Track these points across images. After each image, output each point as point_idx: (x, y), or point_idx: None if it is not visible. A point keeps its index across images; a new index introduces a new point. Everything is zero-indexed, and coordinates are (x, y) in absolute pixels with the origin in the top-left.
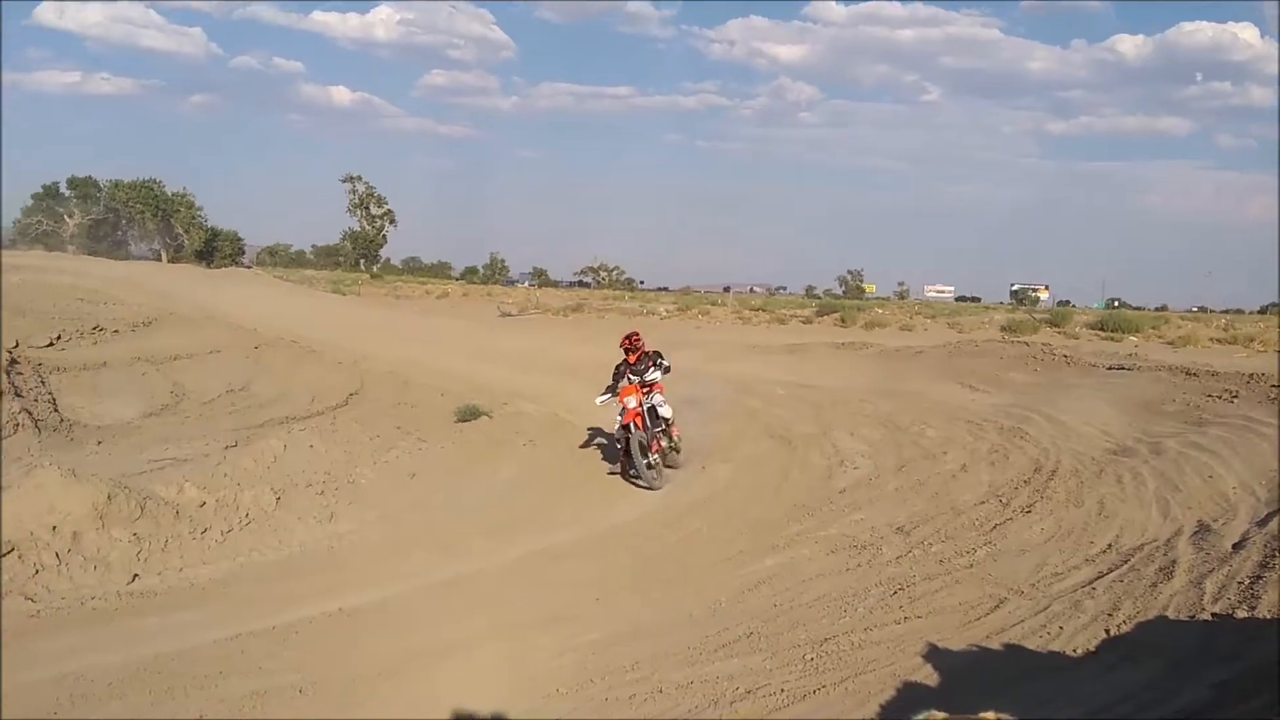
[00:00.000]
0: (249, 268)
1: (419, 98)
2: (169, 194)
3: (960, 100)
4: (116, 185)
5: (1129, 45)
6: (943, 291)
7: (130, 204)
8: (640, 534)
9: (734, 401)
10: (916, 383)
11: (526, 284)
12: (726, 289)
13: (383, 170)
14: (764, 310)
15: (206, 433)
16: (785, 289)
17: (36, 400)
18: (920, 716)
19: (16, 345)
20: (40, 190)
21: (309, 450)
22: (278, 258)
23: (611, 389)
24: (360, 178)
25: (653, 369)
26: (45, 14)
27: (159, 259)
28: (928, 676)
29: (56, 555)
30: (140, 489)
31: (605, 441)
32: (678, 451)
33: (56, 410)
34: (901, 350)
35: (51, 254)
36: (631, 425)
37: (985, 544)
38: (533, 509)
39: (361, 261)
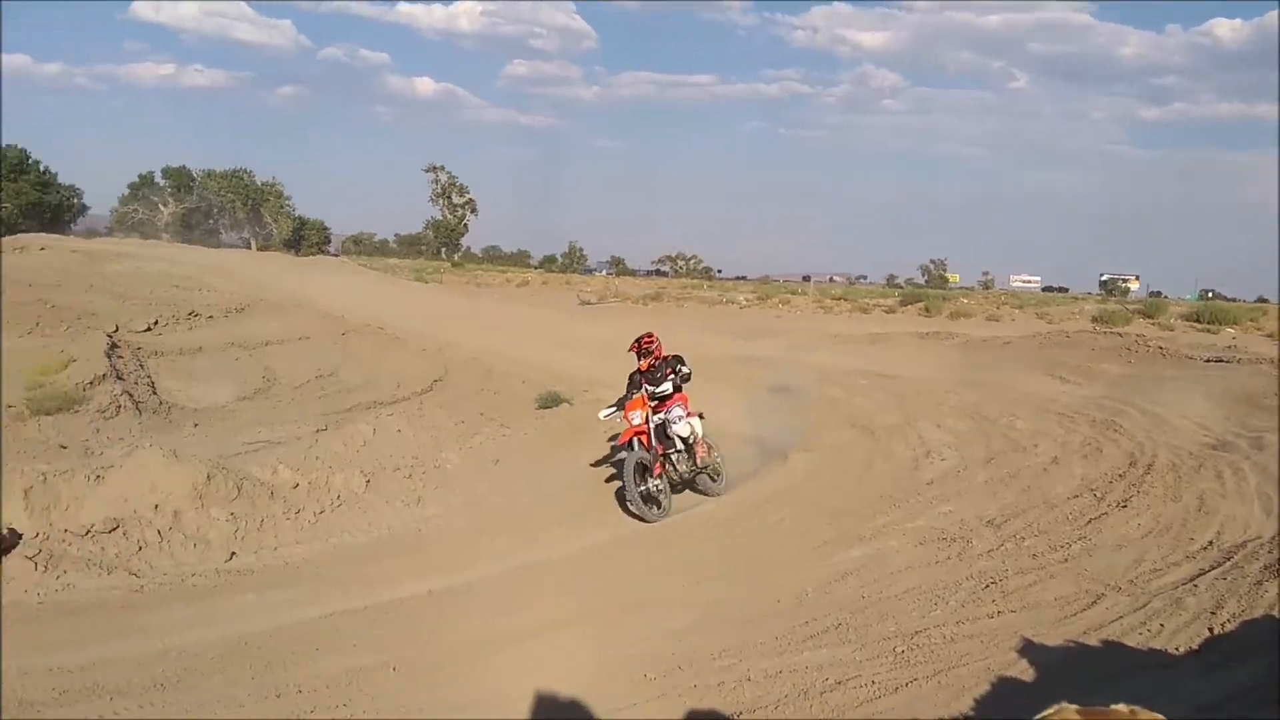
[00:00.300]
0: (335, 256)
1: (501, 88)
2: (259, 184)
3: (1048, 86)
4: (209, 175)
5: (1226, 30)
6: (1029, 281)
7: (221, 193)
8: (722, 522)
9: (815, 390)
10: (1004, 373)
11: (604, 273)
12: (806, 278)
13: (464, 160)
14: (845, 299)
15: (297, 417)
16: (865, 278)
17: (136, 383)
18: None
19: (116, 330)
20: (136, 180)
21: (397, 435)
22: (362, 246)
23: (620, 402)
24: (443, 167)
25: (667, 378)
26: (142, 9)
27: (248, 247)
28: (1023, 671)
29: (159, 533)
30: (237, 470)
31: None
32: (714, 477)
33: (155, 393)
34: (988, 340)
35: (147, 241)
36: (635, 443)
37: (1080, 538)
38: (614, 496)
39: (443, 250)
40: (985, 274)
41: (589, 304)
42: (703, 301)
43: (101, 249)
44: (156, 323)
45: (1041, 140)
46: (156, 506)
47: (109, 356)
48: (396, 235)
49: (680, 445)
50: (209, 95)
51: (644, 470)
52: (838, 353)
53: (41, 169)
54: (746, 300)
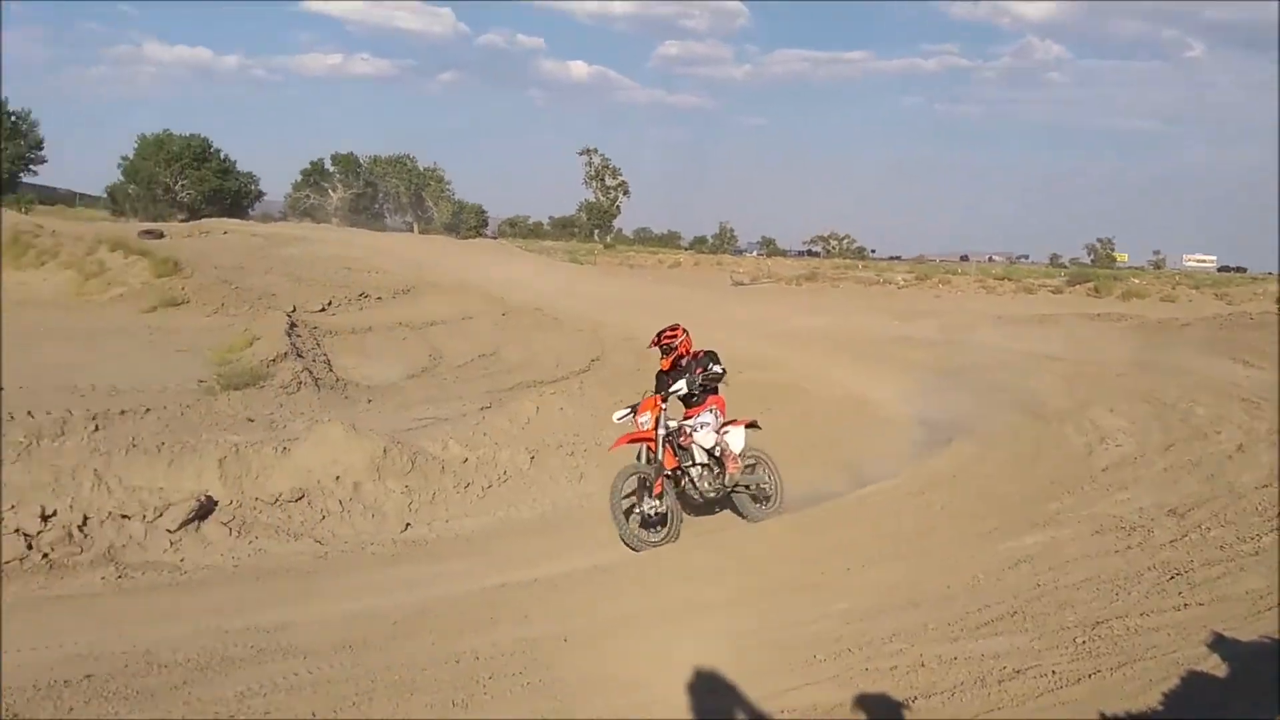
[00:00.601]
0: (494, 239)
1: (652, 69)
2: (420, 169)
3: (1225, 56)
4: (375, 161)
5: None
6: (1203, 261)
7: (386, 178)
8: (885, 506)
9: (979, 373)
10: (1181, 357)
11: (754, 253)
12: (964, 257)
13: (616, 142)
14: (1008, 279)
15: (462, 394)
16: (1027, 258)
17: (314, 360)
18: None
19: (294, 310)
20: (308, 166)
21: (559, 413)
22: (517, 229)
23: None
24: (596, 150)
25: (682, 377)
26: (313, 4)
27: (411, 230)
28: (1215, 666)
29: (340, 503)
30: (410, 445)
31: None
32: (759, 498)
33: (331, 370)
34: (1164, 322)
35: (319, 226)
36: (643, 452)
37: (1272, 530)
38: None
39: (595, 232)
40: (1156, 253)
41: (741, 285)
42: (859, 282)
43: (278, 233)
44: (330, 303)
45: (1218, 112)
46: (338, 478)
47: (289, 335)
48: (550, 218)
49: (703, 458)
50: (374, 83)
51: (644, 486)
52: (1003, 334)
53: (222, 157)
54: (904, 280)
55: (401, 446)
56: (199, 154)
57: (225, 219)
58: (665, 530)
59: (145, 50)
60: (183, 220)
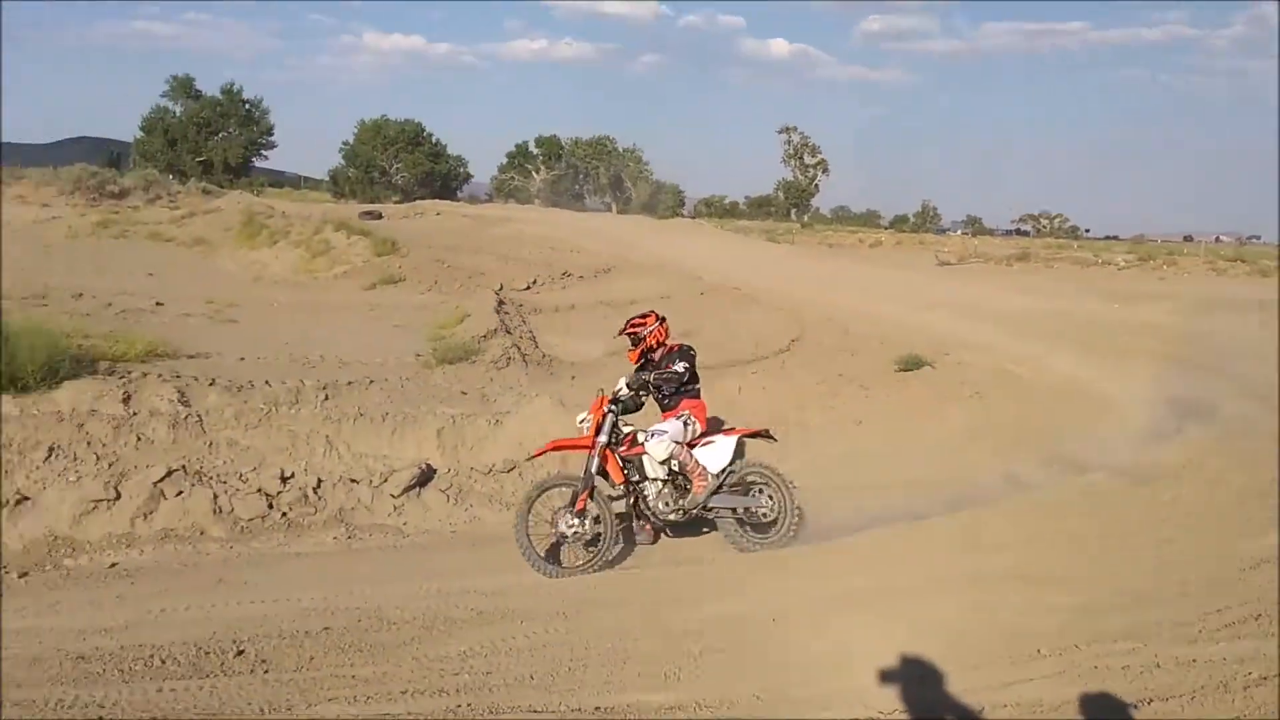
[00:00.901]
0: (691, 219)
1: (853, 46)
2: (620, 150)
3: None
4: (576, 143)
5: None
6: None
7: (586, 160)
8: (1110, 497)
9: (1215, 359)
10: None
11: (959, 232)
12: (1187, 238)
13: (814, 120)
14: (1240, 260)
15: None
16: (1259, 238)
17: (522, 337)
18: None
19: (501, 288)
20: (514, 149)
21: (761, 393)
22: (713, 209)
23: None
24: (795, 128)
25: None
26: None
27: (609, 210)
28: None
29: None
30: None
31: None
32: (750, 523)
33: (537, 346)
34: None
35: (522, 207)
36: (594, 461)
37: None
38: (985, 463)
39: (792, 211)
40: None
41: (948, 264)
42: (1075, 262)
43: (486, 214)
44: (535, 281)
45: None
46: None
47: (498, 312)
48: (746, 197)
49: (657, 473)
50: (577, 67)
51: (574, 499)
52: (1242, 320)
53: (434, 141)
54: (1125, 261)
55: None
56: (413, 138)
57: (437, 200)
58: (591, 557)
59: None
60: (397, 202)
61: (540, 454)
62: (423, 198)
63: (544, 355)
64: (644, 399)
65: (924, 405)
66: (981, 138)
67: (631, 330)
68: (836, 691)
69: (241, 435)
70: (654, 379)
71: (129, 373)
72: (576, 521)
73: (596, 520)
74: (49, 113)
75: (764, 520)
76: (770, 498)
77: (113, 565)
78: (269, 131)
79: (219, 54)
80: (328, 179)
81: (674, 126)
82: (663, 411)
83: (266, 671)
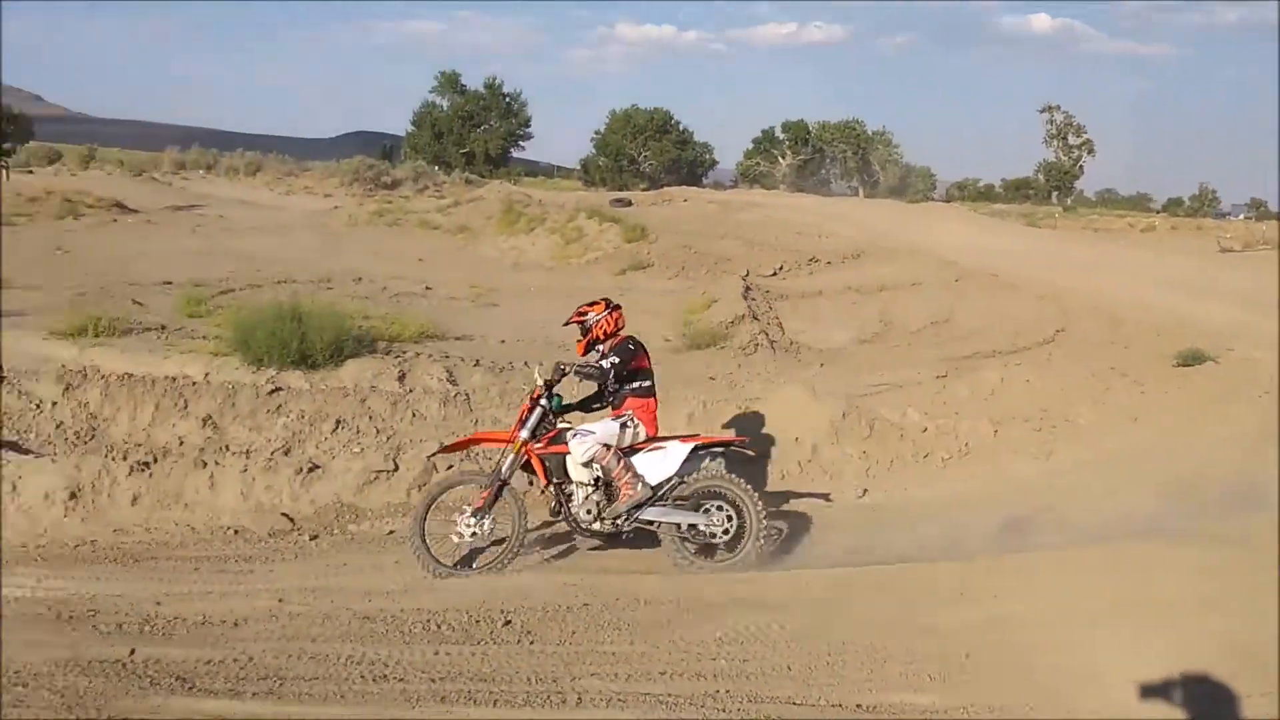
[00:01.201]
0: (943, 202)
1: (1122, 18)
2: (869, 133)
3: None
4: (823, 127)
5: None
6: None
7: (833, 143)
8: None
9: None
10: None
11: (1242, 216)
12: None
13: (1079, 98)
14: None
15: (915, 361)
16: None
17: (768, 323)
18: None
19: (748, 274)
20: (760, 135)
21: (1025, 385)
22: (966, 192)
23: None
24: (1058, 107)
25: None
26: None
27: (856, 194)
28: None
29: (798, 464)
30: (868, 410)
31: None
32: (700, 546)
33: (784, 333)
34: None
35: (768, 192)
36: (510, 459)
37: None
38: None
39: (1054, 194)
40: None
41: (1231, 251)
42: None
43: (732, 199)
44: (782, 267)
45: None
46: (797, 439)
47: (745, 298)
48: (1002, 180)
49: (581, 476)
50: (826, 51)
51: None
52: None
53: (681, 129)
54: None
55: (860, 411)
56: (661, 126)
57: (684, 187)
58: (493, 559)
59: (617, 30)
60: (644, 189)
61: (457, 447)
62: (669, 184)
63: (791, 342)
64: (607, 399)
65: (1208, 404)
66: (1267, 115)
67: (577, 318)
68: (1108, 709)
69: (505, 414)
70: (574, 370)
71: (404, 352)
72: (473, 521)
73: (502, 523)
74: (330, 108)
75: (713, 541)
76: (729, 518)
77: (390, 532)
78: (527, 123)
79: (484, 49)
80: (579, 168)
81: (925, 108)
82: (612, 410)
83: (532, 643)
